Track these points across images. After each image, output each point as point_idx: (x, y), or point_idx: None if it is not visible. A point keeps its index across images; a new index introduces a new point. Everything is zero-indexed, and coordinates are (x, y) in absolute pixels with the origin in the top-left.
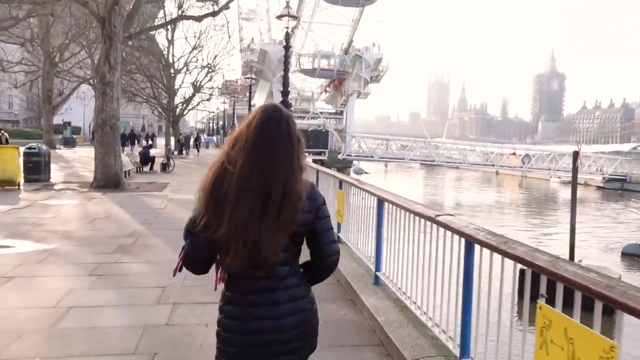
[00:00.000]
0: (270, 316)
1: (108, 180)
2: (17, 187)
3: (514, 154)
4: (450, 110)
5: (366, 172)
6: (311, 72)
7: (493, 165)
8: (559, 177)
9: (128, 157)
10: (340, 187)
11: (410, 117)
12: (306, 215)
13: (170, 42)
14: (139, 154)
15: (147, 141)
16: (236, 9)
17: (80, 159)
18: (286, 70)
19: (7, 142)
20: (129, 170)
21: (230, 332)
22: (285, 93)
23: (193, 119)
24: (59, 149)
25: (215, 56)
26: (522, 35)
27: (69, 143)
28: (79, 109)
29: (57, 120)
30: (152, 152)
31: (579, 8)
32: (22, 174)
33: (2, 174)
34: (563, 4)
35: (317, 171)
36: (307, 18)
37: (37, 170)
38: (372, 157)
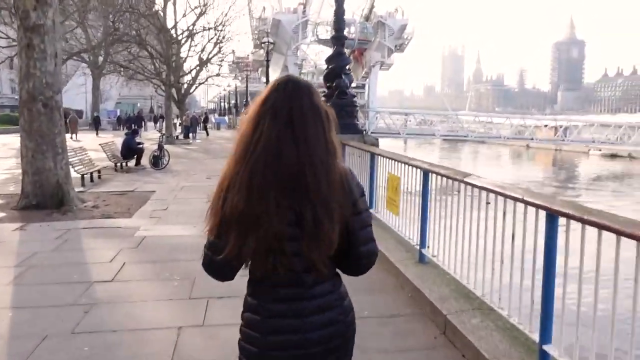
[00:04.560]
0: (293, 330)
1: (44, 195)
2: None
3: (547, 125)
4: (465, 83)
5: None
6: (329, 43)
7: (532, 139)
8: (599, 150)
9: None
10: None
11: (424, 90)
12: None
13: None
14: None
15: (155, 124)
16: None
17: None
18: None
19: None
20: (98, 171)
21: (249, 343)
22: (339, 39)
23: (204, 100)
24: None
25: (223, 24)
26: (539, 2)
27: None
28: (77, 91)
29: None
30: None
31: None
32: None
33: None
34: None
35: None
36: None
37: None
38: (399, 134)
